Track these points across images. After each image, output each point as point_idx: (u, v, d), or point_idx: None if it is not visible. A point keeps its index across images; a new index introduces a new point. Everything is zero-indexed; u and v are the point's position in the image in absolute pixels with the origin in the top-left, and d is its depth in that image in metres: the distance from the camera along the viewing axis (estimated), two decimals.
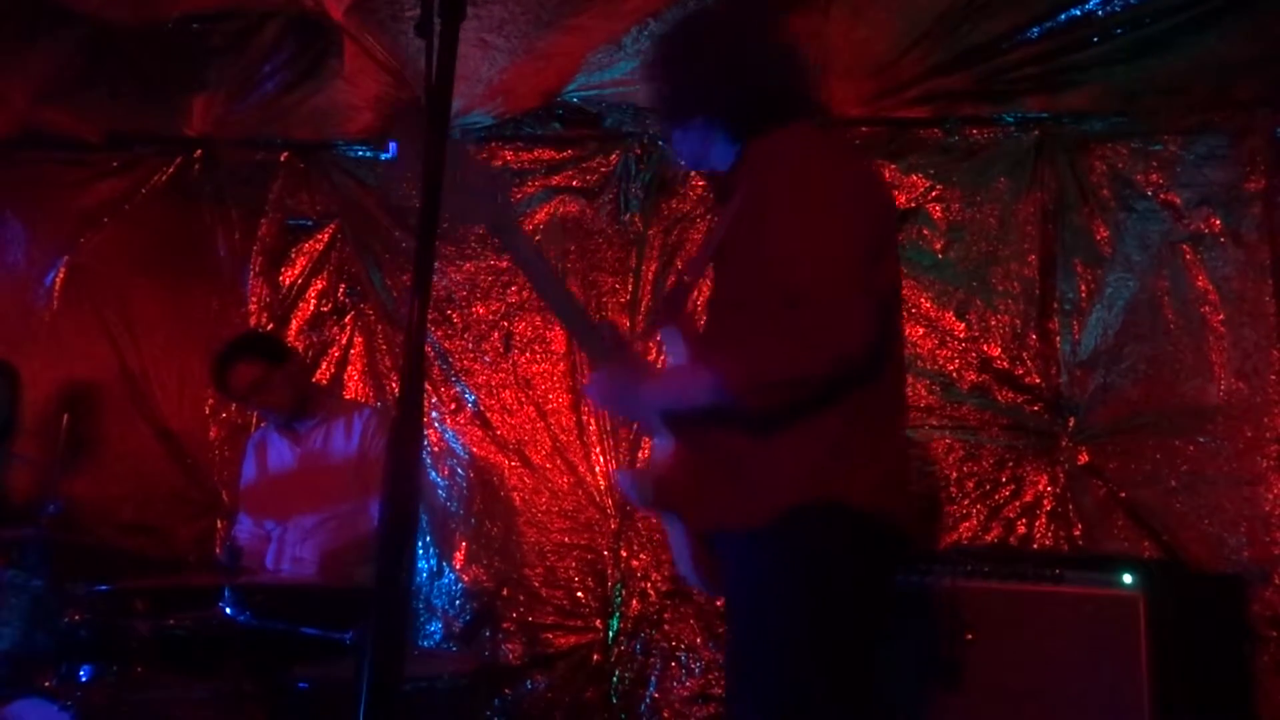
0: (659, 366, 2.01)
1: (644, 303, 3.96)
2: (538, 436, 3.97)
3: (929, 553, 3.38)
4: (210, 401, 4.21)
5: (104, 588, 2.76)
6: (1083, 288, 3.61)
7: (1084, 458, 3.52)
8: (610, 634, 3.79)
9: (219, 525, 4.07)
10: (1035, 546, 3.52)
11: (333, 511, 3.36)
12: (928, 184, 3.76)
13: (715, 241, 2.02)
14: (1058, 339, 3.60)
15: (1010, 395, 3.62)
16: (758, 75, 1.94)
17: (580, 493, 3.90)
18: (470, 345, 4.07)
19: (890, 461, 1.88)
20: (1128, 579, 2.73)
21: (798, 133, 1.92)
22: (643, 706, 3.73)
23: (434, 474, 4.03)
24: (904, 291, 3.67)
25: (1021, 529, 3.54)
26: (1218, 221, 3.49)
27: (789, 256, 1.76)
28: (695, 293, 2.40)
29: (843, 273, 1.72)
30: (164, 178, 4.33)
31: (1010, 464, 3.59)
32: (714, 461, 1.89)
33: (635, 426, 3.87)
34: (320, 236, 4.28)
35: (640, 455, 3.87)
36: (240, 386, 3.41)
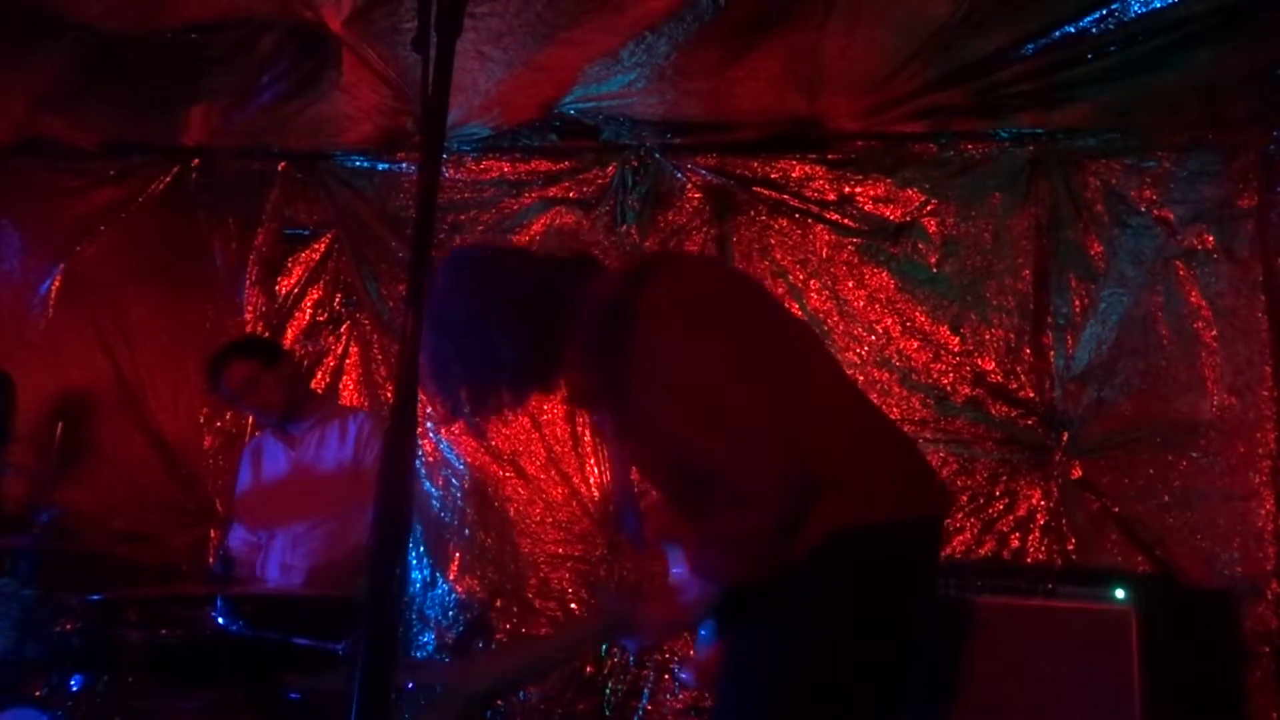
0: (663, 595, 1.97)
1: None
2: (532, 447, 3.97)
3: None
4: (205, 410, 4.21)
5: (96, 597, 2.75)
6: (1076, 303, 3.62)
7: (1077, 472, 3.53)
8: (603, 646, 3.78)
9: (212, 534, 4.06)
10: (1028, 560, 3.52)
11: (325, 518, 3.34)
12: (923, 198, 3.78)
13: (614, 424, 1.97)
14: (1051, 353, 3.62)
15: (1004, 409, 3.63)
16: (532, 313, 1.87)
17: (574, 504, 3.90)
18: None
19: (886, 470, 1.85)
20: (1120, 594, 2.74)
21: (603, 313, 1.81)
22: (635, 718, 3.72)
23: (428, 484, 4.02)
24: (898, 305, 3.73)
25: (1015, 543, 3.55)
26: (1211, 238, 3.51)
27: (688, 441, 1.73)
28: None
29: (746, 428, 1.69)
30: (161, 186, 4.34)
31: (1004, 478, 3.60)
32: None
33: None
34: (317, 246, 4.28)
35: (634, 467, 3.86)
36: (232, 385, 3.41)
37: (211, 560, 3.90)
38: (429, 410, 4.03)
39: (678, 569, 2.06)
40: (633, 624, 1.92)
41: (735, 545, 1.72)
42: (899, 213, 3.79)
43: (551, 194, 4.10)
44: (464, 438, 4.03)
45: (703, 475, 1.72)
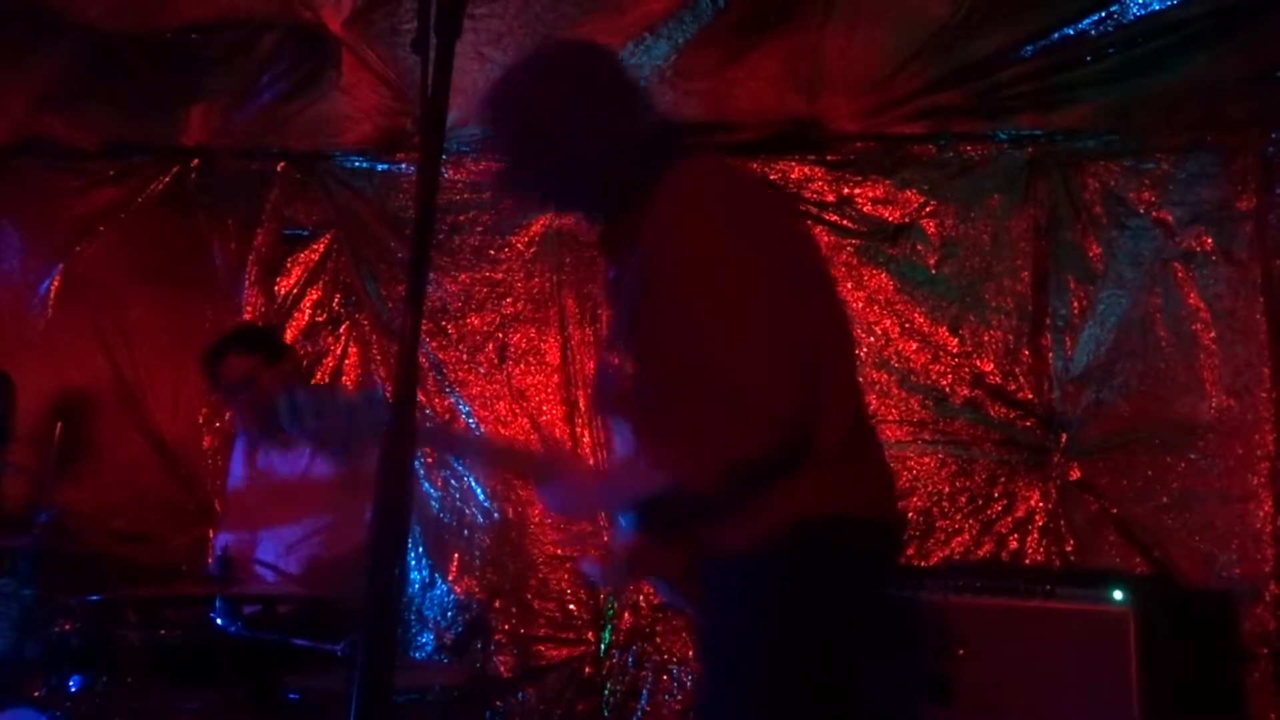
0: (606, 467, 1.96)
1: None
2: (531, 448, 3.97)
3: (920, 568, 3.38)
4: (204, 411, 4.21)
5: (95, 597, 2.75)
6: (1075, 304, 3.62)
7: (1076, 473, 3.53)
8: (602, 646, 3.78)
9: (211, 534, 4.05)
10: (1027, 562, 3.52)
11: (315, 522, 3.33)
12: (921, 200, 3.78)
13: (623, 316, 1.89)
14: (1050, 355, 3.62)
15: (1002, 410, 3.63)
16: (619, 126, 1.80)
17: None
18: (465, 356, 4.08)
19: (869, 467, 1.87)
20: (1118, 595, 2.74)
21: (693, 183, 1.75)
22: (634, 719, 3.72)
23: (427, 485, 4.02)
24: (897, 306, 3.73)
25: (1013, 544, 3.55)
26: (1209, 239, 3.51)
27: (703, 334, 1.66)
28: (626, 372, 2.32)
29: (753, 338, 1.64)
30: (160, 187, 4.34)
31: (1002, 479, 3.60)
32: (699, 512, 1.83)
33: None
34: (316, 247, 4.29)
35: None
36: (229, 380, 3.29)
37: (210, 560, 3.90)
38: (428, 410, 4.06)
39: (622, 448, 2.01)
40: (566, 471, 1.90)
41: (720, 454, 1.64)
42: (898, 214, 3.79)
43: None
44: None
45: (703, 368, 1.65)
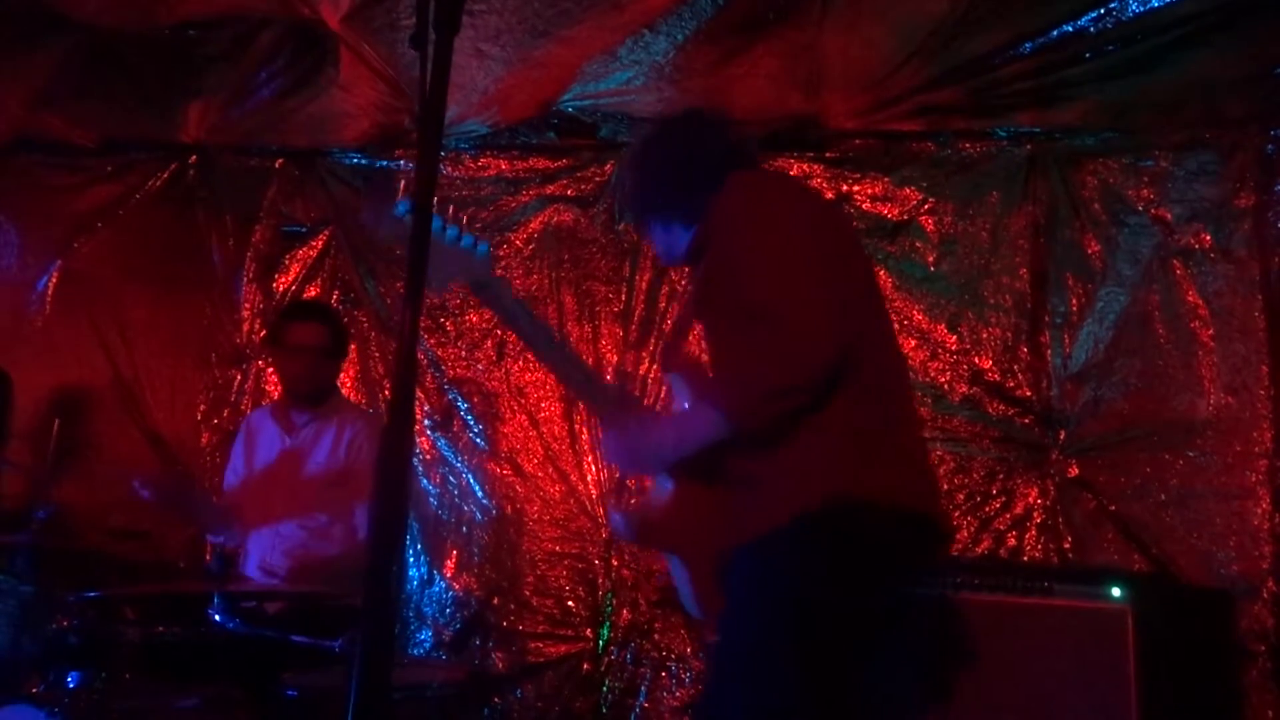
0: (663, 415, 2.13)
1: (637, 312, 3.97)
2: (530, 445, 3.98)
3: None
4: (202, 408, 4.21)
5: (93, 594, 2.74)
6: (1074, 301, 3.62)
7: (1074, 471, 3.54)
8: (600, 643, 3.78)
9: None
10: (1025, 559, 3.52)
11: (309, 519, 3.33)
12: (920, 197, 3.78)
13: (696, 295, 2.15)
14: (1049, 352, 3.62)
15: (1001, 408, 3.64)
16: (691, 168, 2.13)
17: (572, 501, 3.91)
18: (463, 353, 4.07)
19: (903, 451, 1.94)
20: (1116, 592, 2.74)
21: (740, 182, 2.04)
22: (632, 716, 3.72)
23: (425, 482, 4.02)
24: (896, 304, 3.73)
25: (1011, 541, 3.55)
26: (1208, 237, 3.52)
27: (749, 279, 1.89)
28: (692, 334, 2.53)
29: (799, 282, 1.84)
30: (159, 183, 4.34)
31: (1001, 476, 3.60)
32: (731, 485, 1.94)
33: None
34: (314, 243, 4.28)
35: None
36: (297, 341, 3.42)
37: (208, 558, 3.89)
38: (426, 408, 4.06)
39: (682, 401, 2.17)
40: (630, 414, 2.12)
41: (757, 380, 1.81)
42: (897, 211, 3.79)
43: (549, 191, 4.10)
44: (462, 435, 4.04)
45: (754, 315, 1.83)
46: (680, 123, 2.26)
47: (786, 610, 1.79)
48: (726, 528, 1.93)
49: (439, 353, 4.08)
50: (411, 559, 3.97)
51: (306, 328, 3.43)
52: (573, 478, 3.92)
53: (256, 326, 4.23)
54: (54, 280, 4.33)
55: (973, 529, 3.58)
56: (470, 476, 4.00)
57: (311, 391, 3.45)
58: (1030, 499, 3.56)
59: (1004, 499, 3.58)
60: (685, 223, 2.15)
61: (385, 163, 4.22)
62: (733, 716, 1.83)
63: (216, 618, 2.54)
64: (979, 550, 3.55)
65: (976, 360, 3.67)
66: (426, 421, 4.05)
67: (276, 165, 4.30)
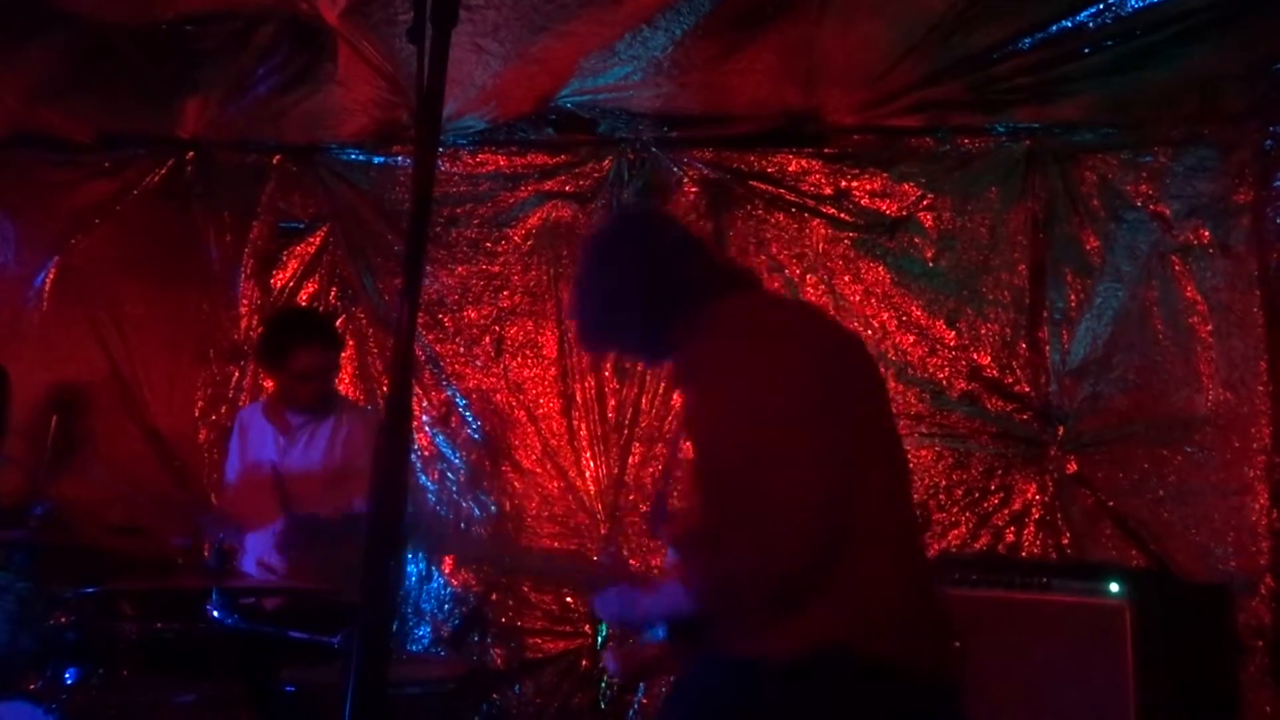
0: (651, 587, 1.98)
1: None
2: (528, 441, 3.97)
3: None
4: (200, 404, 4.21)
5: (91, 590, 2.74)
6: (1072, 297, 3.62)
7: (1072, 467, 3.54)
8: (598, 640, 3.78)
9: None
10: (1023, 555, 3.53)
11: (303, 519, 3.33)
12: (919, 193, 3.78)
13: (683, 416, 2.00)
14: (1047, 348, 3.62)
15: (1000, 404, 3.64)
16: (658, 285, 1.88)
17: (570, 498, 3.91)
18: (461, 349, 4.07)
19: (908, 611, 1.72)
20: (1114, 588, 2.74)
21: (716, 321, 1.81)
22: (630, 712, 3.72)
23: (424, 478, 4.02)
24: (894, 299, 3.73)
25: (1010, 537, 3.55)
26: (1206, 233, 3.52)
27: (721, 456, 1.69)
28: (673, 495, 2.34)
29: (774, 461, 1.61)
30: (156, 179, 4.33)
31: (999, 472, 3.61)
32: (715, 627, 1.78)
33: (624, 434, 3.89)
34: (312, 239, 4.28)
35: (630, 461, 3.87)
36: (304, 369, 3.33)
37: (206, 553, 3.89)
38: (425, 404, 4.05)
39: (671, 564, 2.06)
40: (616, 584, 1.96)
41: (727, 581, 1.66)
42: (895, 207, 3.79)
43: (547, 187, 4.10)
44: (460, 431, 4.04)
45: (726, 488, 1.66)
46: (638, 236, 1.97)
47: None
48: (720, 635, 1.77)
49: (437, 349, 4.08)
50: (410, 555, 3.96)
51: (312, 352, 3.34)
52: (571, 474, 3.92)
53: (254, 323, 4.22)
54: (51, 276, 4.32)
55: (971, 525, 3.58)
56: (468, 473, 4.00)
57: (318, 405, 3.44)
58: (1029, 495, 3.56)
59: (1002, 495, 3.58)
60: (650, 357, 1.98)
61: (383, 159, 4.22)
62: None
63: (214, 613, 2.54)
64: (977, 546, 3.55)
65: (975, 356, 3.67)
66: (424, 418, 4.05)
67: (274, 161, 4.29)
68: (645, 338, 1.94)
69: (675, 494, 2.19)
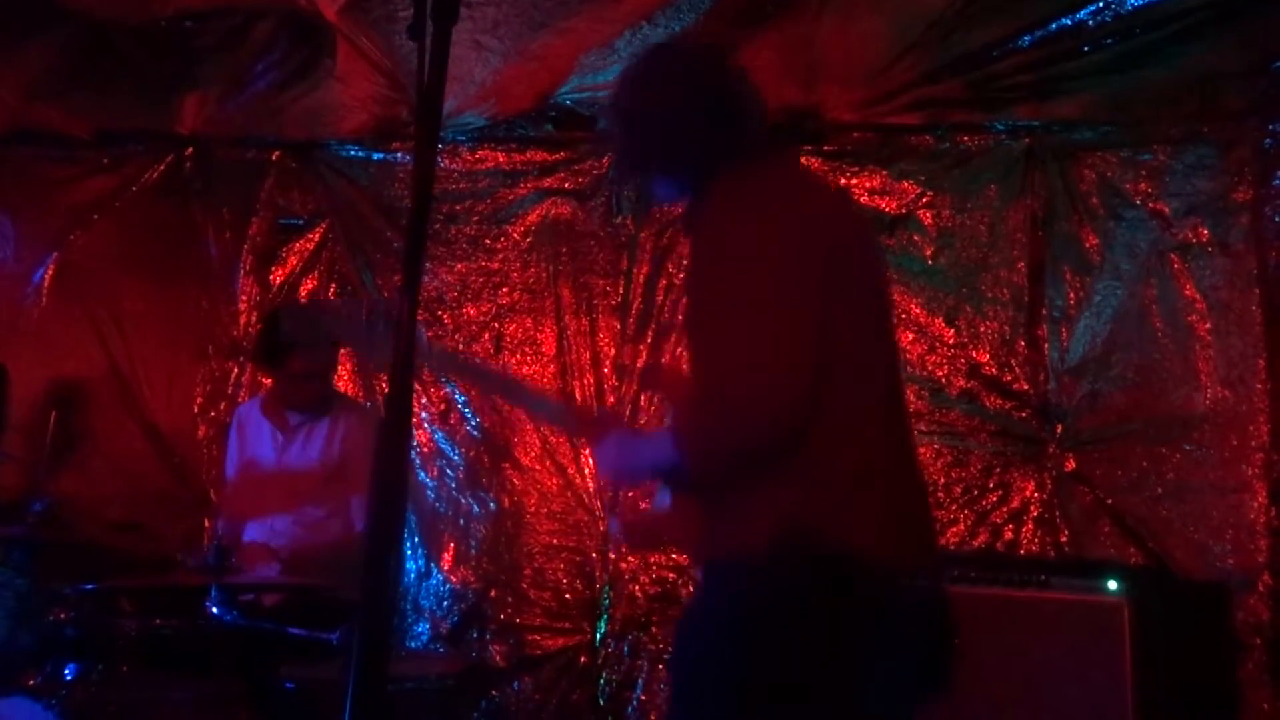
0: (647, 433, 2.02)
1: (635, 305, 3.96)
2: (527, 438, 3.97)
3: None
4: (199, 400, 4.20)
5: (90, 586, 2.74)
6: (1071, 295, 3.62)
7: (1071, 464, 3.54)
8: (598, 636, 3.79)
9: (206, 524, 4.05)
10: (1022, 552, 3.53)
11: (305, 511, 3.33)
12: (918, 190, 3.78)
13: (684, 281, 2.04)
14: (1046, 346, 3.62)
15: (998, 401, 3.64)
16: (707, 122, 1.90)
17: (569, 494, 3.91)
18: (461, 346, 4.07)
19: (884, 501, 1.76)
20: (1113, 585, 2.74)
21: (730, 187, 1.83)
22: (629, 709, 3.73)
23: (422, 475, 4.02)
24: (894, 297, 3.72)
25: (1008, 535, 3.56)
26: (1206, 231, 3.52)
27: (710, 327, 1.75)
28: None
29: (757, 338, 1.66)
30: (155, 175, 4.32)
31: (998, 470, 3.61)
32: (705, 508, 1.85)
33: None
34: (311, 236, 4.27)
35: None
36: (300, 370, 3.32)
37: (206, 550, 3.89)
38: (424, 400, 4.05)
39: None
40: (613, 433, 1.99)
41: (707, 440, 1.72)
42: (894, 205, 3.79)
43: (547, 185, 4.09)
44: (459, 428, 4.04)
45: (710, 358, 1.73)
46: (691, 72, 1.98)
47: (728, 647, 1.70)
48: (703, 537, 1.85)
49: (436, 346, 4.07)
50: (409, 552, 3.97)
51: (310, 354, 3.33)
52: (570, 471, 3.92)
53: (253, 319, 4.21)
54: (50, 272, 4.32)
55: (970, 522, 3.58)
56: (467, 470, 4.00)
57: (318, 404, 3.44)
58: (1027, 492, 3.56)
59: (1001, 492, 3.59)
60: (691, 180, 1.93)
61: (382, 155, 4.21)
62: None
63: (214, 610, 2.54)
64: (976, 544, 3.56)
65: (974, 354, 3.68)
66: (423, 414, 4.05)
67: (273, 158, 4.29)
68: (674, 171, 1.96)
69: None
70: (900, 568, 1.75)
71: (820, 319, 1.70)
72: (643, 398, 3.87)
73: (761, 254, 1.73)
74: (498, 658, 3.85)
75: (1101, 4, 3.10)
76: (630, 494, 3.83)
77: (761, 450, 1.67)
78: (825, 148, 3.87)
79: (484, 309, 4.07)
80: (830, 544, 1.67)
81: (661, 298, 3.94)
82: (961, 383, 3.67)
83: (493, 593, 3.90)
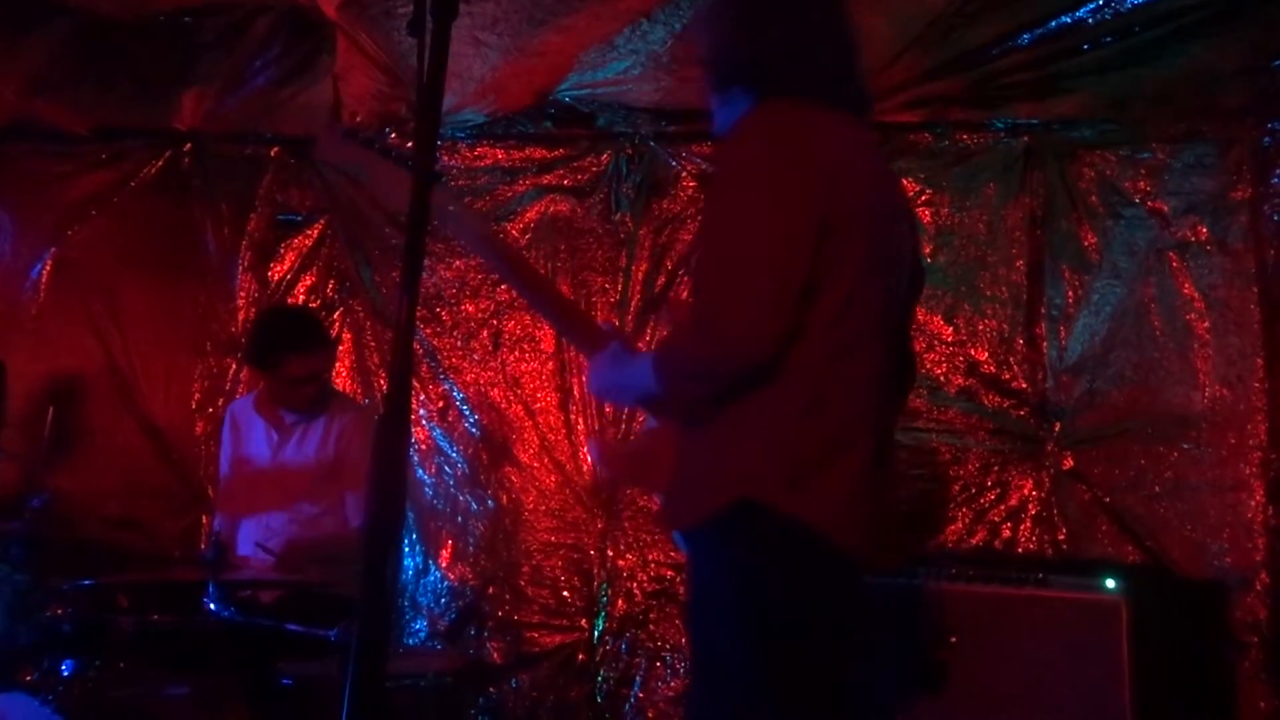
0: (639, 354, 2.02)
1: (634, 302, 3.96)
2: (525, 435, 3.97)
3: (914, 556, 3.39)
4: (197, 396, 4.20)
5: (87, 582, 2.74)
6: (1070, 294, 3.62)
7: (1069, 463, 3.54)
8: (595, 633, 3.79)
9: (204, 520, 4.05)
10: (1019, 551, 3.53)
11: (300, 508, 3.33)
12: (917, 188, 3.77)
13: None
14: (1044, 344, 3.62)
15: (997, 400, 3.64)
16: (773, 47, 1.91)
17: (567, 492, 3.91)
18: (459, 343, 4.07)
19: (840, 468, 1.76)
20: (1110, 584, 2.75)
21: (761, 122, 1.84)
22: (627, 706, 3.73)
23: (421, 472, 4.02)
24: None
25: (1006, 533, 3.56)
26: (1204, 229, 3.52)
27: (706, 254, 1.83)
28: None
29: (750, 274, 1.70)
30: (153, 171, 4.32)
31: (996, 468, 3.61)
32: (679, 450, 1.90)
33: (622, 428, 3.89)
34: (310, 232, 4.27)
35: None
36: (297, 374, 3.29)
37: (203, 546, 3.89)
38: (422, 397, 4.05)
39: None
40: (606, 349, 2.04)
41: (678, 357, 1.81)
42: None
43: (546, 181, 4.09)
44: (457, 425, 4.03)
45: (701, 294, 1.79)
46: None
47: (734, 600, 1.75)
48: (667, 498, 1.94)
49: (435, 342, 4.07)
50: (407, 549, 3.97)
51: (305, 359, 3.30)
52: (568, 468, 3.92)
53: (251, 315, 4.21)
54: (48, 268, 4.31)
55: (967, 521, 3.58)
56: (466, 467, 4.00)
57: (315, 404, 3.43)
58: (1025, 491, 3.57)
59: (999, 491, 3.59)
60: (724, 114, 1.98)
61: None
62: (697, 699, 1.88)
63: (211, 606, 2.54)
64: (974, 542, 3.56)
65: (972, 352, 3.68)
66: (422, 411, 4.05)
67: (272, 154, 4.28)
68: (725, 88, 2.00)
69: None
70: (851, 544, 1.77)
71: (803, 280, 1.72)
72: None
73: (758, 206, 1.75)
74: (495, 655, 3.85)
75: (1101, 2, 3.09)
76: (589, 519, 3.84)
77: (722, 374, 1.72)
78: None
79: (483, 306, 4.07)
80: (785, 510, 1.71)
81: (660, 295, 3.94)
82: (960, 381, 3.67)
83: (491, 590, 3.90)
